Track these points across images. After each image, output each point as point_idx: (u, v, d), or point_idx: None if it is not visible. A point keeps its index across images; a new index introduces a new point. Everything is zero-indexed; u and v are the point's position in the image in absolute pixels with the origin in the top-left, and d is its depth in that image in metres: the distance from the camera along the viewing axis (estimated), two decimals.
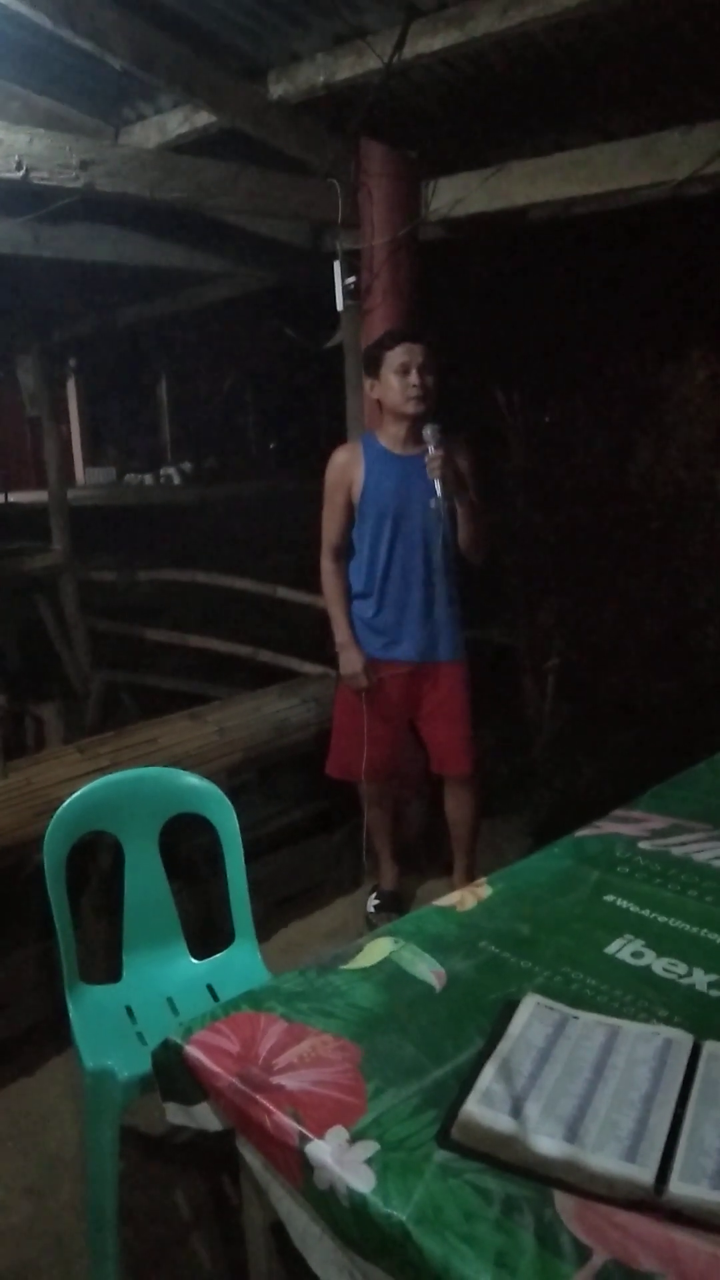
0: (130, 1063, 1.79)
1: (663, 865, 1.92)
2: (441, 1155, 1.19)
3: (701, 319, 4.42)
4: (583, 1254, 1.05)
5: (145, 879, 2.20)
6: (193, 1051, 1.41)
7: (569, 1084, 1.28)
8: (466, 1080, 1.29)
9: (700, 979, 1.55)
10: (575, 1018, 1.42)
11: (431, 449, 2.67)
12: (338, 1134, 1.22)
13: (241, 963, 2.18)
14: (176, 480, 9.62)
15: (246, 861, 2.20)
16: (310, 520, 3.02)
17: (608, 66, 2.86)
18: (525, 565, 4.31)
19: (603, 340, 4.52)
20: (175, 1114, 1.48)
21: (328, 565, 2.96)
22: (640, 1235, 1.07)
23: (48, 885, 2.00)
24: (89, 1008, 2.04)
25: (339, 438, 3.23)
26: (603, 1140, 1.17)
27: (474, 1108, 1.23)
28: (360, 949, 1.67)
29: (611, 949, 1.64)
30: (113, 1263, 1.83)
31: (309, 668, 4.31)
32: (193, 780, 2.25)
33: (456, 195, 3.31)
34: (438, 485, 2.67)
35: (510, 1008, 1.44)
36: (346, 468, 2.88)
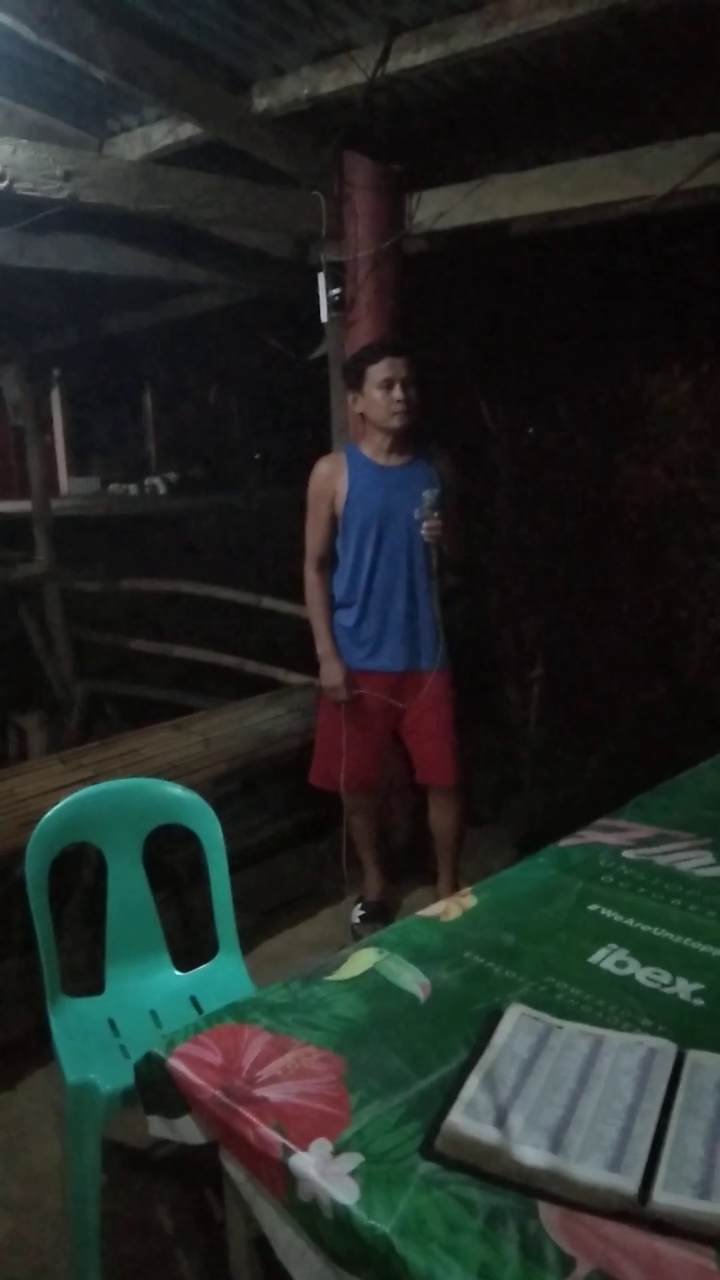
0: (113, 1076, 1.78)
1: (646, 874, 1.93)
2: (425, 1167, 1.18)
3: (684, 331, 4.45)
4: (567, 1265, 1.05)
5: (128, 890, 2.18)
6: (176, 1064, 1.41)
7: (553, 1094, 1.28)
8: (451, 1091, 1.29)
9: (684, 988, 1.55)
10: (559, 1028, 1.42)
11: (430, 516, 2.74)
12: (321, 1146, 1.22)
13: (225, 975, 2.17)
14: (161, 490, 9.59)
15: (231, 872, 2.19)
16: (295, 530, 3.02)
17: (590, 82, 2.89)
18: (509, 575, 4.33)
19: (586, 352, 4.54)
20: (158, 1127, 1.47)
21: (310, 576, 2.96)
22: (624, 1245, 1.07)
23: (30, 897, 1.98)
24: (71, 1020, 2.02)
25: (323, 448, 3.24)
26: (587, 1150, 1.17)
27: (458, 1119, 1.23)
28: (345, 960, 1.67)
29: (595, 958, 1.64)
30: (95, 1278, 1.82)
31: (294, 678, 4.31)
32: (176, 791, 2.24)
33: (440, 208, 3.33)
34: (432, 550, 2.78)
35: (494, 1018, 1.44)
36: (330, 478, 2.89)
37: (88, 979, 2.19)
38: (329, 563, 2.96)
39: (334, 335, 3.45)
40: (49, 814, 2.08)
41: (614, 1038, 1.39)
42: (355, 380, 2.82)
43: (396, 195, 3.36)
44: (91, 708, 5.21)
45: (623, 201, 3.05)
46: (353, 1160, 1.19)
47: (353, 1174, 1.17)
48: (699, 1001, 1.51)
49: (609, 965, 1.62)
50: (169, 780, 2.33)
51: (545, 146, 3.30)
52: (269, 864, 3.47)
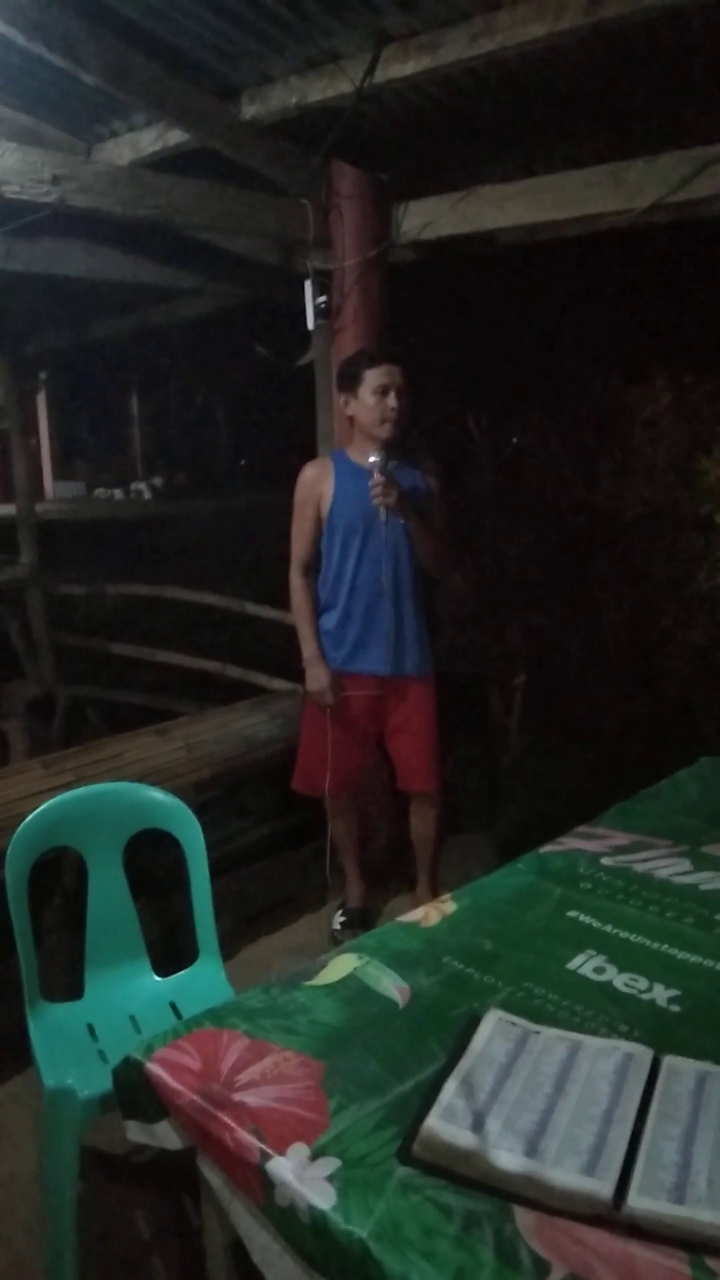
0: (91, 1081, 1.77)
1: (625, 881, 1.94)
2: (403, 1171, 1.19)
3: (666, 343, 4.49)
4: (542, 1269, 1.05)
5: (109, 895, 2.18)
6: (154, 1069, 1.41)
7: (530, 1099, 1.28)
8: (428, 1096, 1.29)
9: (660, 994, 1.56)
10: (536, 1033, 1.43)
11: (375, 474, 2.68)
12: (299, 1151, 1.22)
13: (205, 980, 2.17)
14: (147, 495, 9.59)
15: (212, 878, 2.18)
16: (280, 536, 3.03)
17: (575, 95, 2.92)
18: (493, 584, 4.34)
19: (570, 363, 4.58)
20: (136, 1132, 1.47)
21: (296, 580, 2.96)
22: (599, 1250, 1.08)
23: (9, 901, 1.98)
24: (49, 1025, 2.02)
25: (308, 454, 3.25)
26: (562, 1155, 1.18)
27: (435, 1123, 1.23)
28: (324, 965, 1.67)
29: (573, 964, 1.65)
30: None
31: (277, 684, 4.31)
32: (158, 796, 2.24)
33: (426, 218, 3.35)
34: (382, 512, 2.72)
35: (473, 1023, 1.45)
36: (316, 482, 2.90)
37: (67, 983, 2.19)
38: (315, 567, 2.97)
39: (320, 342, 3.47)
40: (29, 818, 2.07)
41: (591, 1043, 1.40)
42: (350, 383, 2.83)
43: (383, 205, 3.38)
44: (74, 712, 5.20)
45: (607, 214, 3.08)
46: (330, 1165, 1.19)
47: (330, 1178, 1.17)
48: (675, 1007, 1.53)
49: (587, 971, 1.63)
50: (151, 785, 2.33)
51: (530, 159, 3.33)
52: (250, 870, 3.46)
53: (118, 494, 9.72)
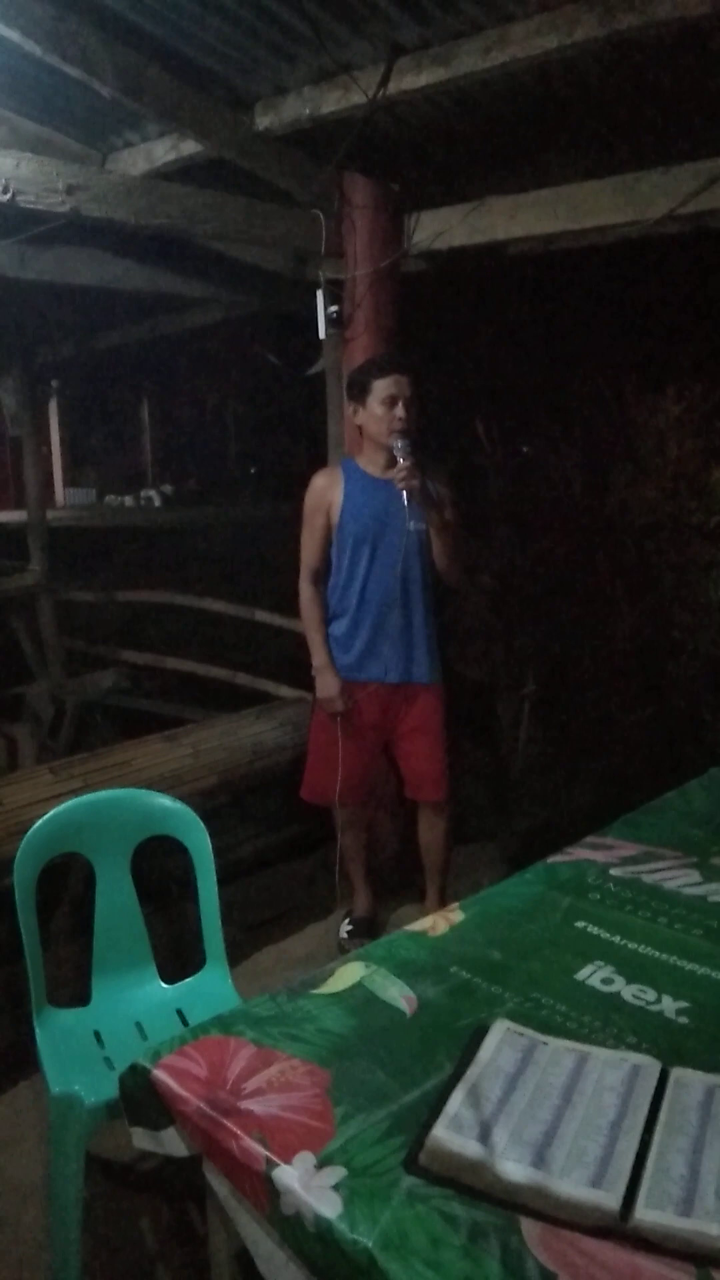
0: (97, 1088, 1.77)
1: (633, 892, 1.94)
2: (409, 1181, 1.19)
3: (677, 354, 4.49)
4: None
5: (116, 902, 2.18)
6: (160, 1075, 1.40)
7: (537, 1110, 1.28)
8: (435, 1106, 1.29)
9: (669, 1006, 1.55)
10: (544, 1044, 1.42)
11: (401, 460, 2.70)
12: (305, 1159, 1.22)
13: (212, 987, 2.17)
14: (157, 502, 9.63)
15: (219, 885, 2.19)
16: (290, 543, 3.03)
17: (588, 107, 2.93)
18: (502, 593, 4.34)
19: (581, 373, 4.58)
20: (142, 1139, 1.46)
21: (306, 589, 2.97)
22: (605, 1262, 1.07)
23: (17, 907, 1.98)
24: (56, 1032, 2.02)
25: (318, 463, 3.26)
26: (570, 1166, 1.18)
27: (442, 1133, 1.23)
28: (331, 974, 1.67)
29: (581, 975, 1.65)
30: None
31: (286, 691, 4.31)
32: (166, 802, 2.24)
33: (438, 229, 3.37)
34: (405, 496, 2.70)
35: (480, 1033, 1.44)
36: (326, 491, 2.90)
37: (73, 990, 2.19)
38: (324, 576, 2.97)
39: (331, 352, 3.48)
40: (38, 824, 2.08)
41: (599, 1054, 1.40)
42: (359, 393, 2.84)
43: (395, 215, 3.39)
44: (83, 718, 5.21)
45: (618, 225, 3.09)
46: (336, 1174, 1.19)
47: (336, 1187, 1.17)
48: (684, 1019, 1.52)
49: (595, 982, 1.63)
50: (159, 792, 2.33)
51: (542, 170, 3.34)
52: (257, 877, 3.46)
53: (128, 501, 9.76)
